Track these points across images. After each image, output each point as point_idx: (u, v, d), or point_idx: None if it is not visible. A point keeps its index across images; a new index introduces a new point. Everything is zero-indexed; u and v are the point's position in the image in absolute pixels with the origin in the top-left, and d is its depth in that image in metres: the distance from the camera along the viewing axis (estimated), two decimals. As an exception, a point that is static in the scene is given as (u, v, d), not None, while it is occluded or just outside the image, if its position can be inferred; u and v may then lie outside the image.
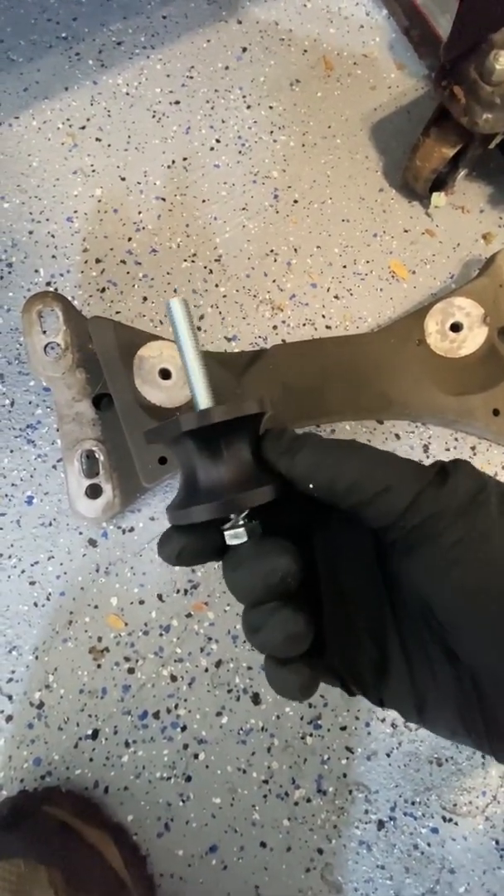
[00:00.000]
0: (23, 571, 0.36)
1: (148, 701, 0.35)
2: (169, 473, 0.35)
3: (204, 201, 0.44)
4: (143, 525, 0.38)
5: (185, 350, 0.20)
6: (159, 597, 0.37)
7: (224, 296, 0.42)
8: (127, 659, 0.36)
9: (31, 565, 0.36)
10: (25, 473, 0.38)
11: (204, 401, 0.20)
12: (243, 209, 0.44)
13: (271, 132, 0.46)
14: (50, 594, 0.36)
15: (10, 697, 0.35)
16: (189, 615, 0.36)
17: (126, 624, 0.36)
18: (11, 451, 0.38)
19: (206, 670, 0.36)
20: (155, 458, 0.34)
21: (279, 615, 0.17)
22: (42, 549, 0.37)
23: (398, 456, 0.18)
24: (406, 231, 0.44)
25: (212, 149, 0.45)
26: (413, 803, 0.35)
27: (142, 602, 0.36)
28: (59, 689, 0.35)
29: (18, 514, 0.37)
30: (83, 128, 0.45)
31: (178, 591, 0.37)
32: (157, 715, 0.35)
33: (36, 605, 0.36)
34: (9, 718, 0.34)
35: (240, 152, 0.45)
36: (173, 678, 0.35)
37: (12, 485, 0.38)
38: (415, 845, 0.34)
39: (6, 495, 0.37)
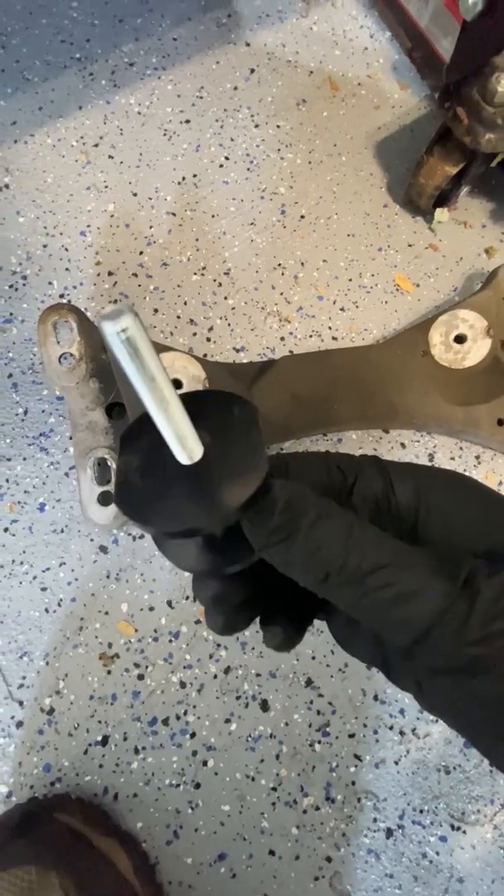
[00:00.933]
0: (34, 577, 0.37)
1: (157, 707, 0.35)
2: (180, 481, 0.35)
3: (213, 216, 0.45)
4: (153, 532, 0.38)
5: (153, 391, 0.13)
6: (169, 603, 0.37)
7: (233, 308, 0.43)
8: (137, 665, 0.36)
9: (43, 571, 0.37)
10: (38, 481, 0.39)
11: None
12: (251, 224, 0.45)
13: (279, 150, 0.47)
14: (61, 600, 0.37)
15: (20, 703, 0.35)
16: (198, 621, 0.37)
17: (136, 630, 0.36)
18: (24, 459, 0.39)
19: (215, 677, 0.36)
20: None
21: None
22: (54, 555, 0.37)
23: (413, 558, 0.13)
24: (410, 245, 0.45)
25: (221, 166, 0.47)
26: (421, 811, 0.35)
27: (151, 608, 0.37)
28: (69, 694, 0.35)
29: (31, 521, 0.38)
30: (96, 145, 0.47)
31: (187, 598, 0.37)
32: (166, 721, 0.35)
33: (47, 610, 0.36)
34: (19, 724, 0.35)
35: (248, 169, 0.47)
36: (182, 684, 0.36)
37: (25, 492, 0.38)
38: (423, 854, 0.34)
39: (19, 502, 0.38)
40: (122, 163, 0.46)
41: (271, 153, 0.47)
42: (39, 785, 0.34)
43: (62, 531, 0.38)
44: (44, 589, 0.37)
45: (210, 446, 0.14)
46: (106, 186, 0.45)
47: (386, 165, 0.48)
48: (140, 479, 0.14)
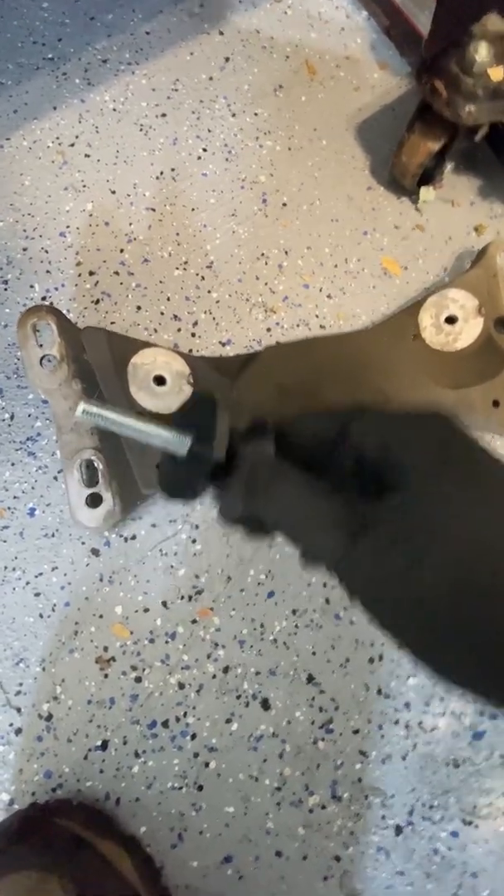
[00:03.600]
0: (27, 583, 0.37)
1: (156, 710, 0.35)
2: (168, 479, 0.35)
3: (193, 209, 0.44)
4: (144, 532, 0.38)
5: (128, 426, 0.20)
6: (164, 604, 0.36)
7: (217, 301, 0.42)
8: (134, 668, 0.35)
9: (36, 577, 0.37)
10: (27, 486, 0.38)
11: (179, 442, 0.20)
12: (232, 215, 0.44)
13: (257, 138, 0.47)
14: (55, 605, 0.36)
15: (18, 710, 0.35)
16: (194, 621, 0.36)
17: (131, 632, 0.36)
18: (13, 464, 0.39)
19: (214, 677, 0.35)
20: (153, 465, 0.35)
21: None
22: (46, 560, 0.37)
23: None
24: (396, 227, 0.44)
25: (199, 158, 0.46)
26: (431, 807, 0.34)
27: (146, 610, 0.36)
28: (66, 700, 0.35)
29: (21, 527, 0.37)
30: (72, 145, 0.46)
31: (182, 598, 0.37)
32: (165, 724, 0.35)
33: (41, 616, 0.36)
34: (18, 731, 0.34)
35: (227, 160, 0.46)
36: (181, 686, 0.35)
37: (14, 497, 0.38)
38: (435, 850, 0.34)
39: (8, 508, 0.38)
40: (99, 161, 0.46)
41: (250, 142, 0.46)
42: (41, 792, 0.34)
43: (53, 535, 0.37)
44: (37, 594, 0.36)
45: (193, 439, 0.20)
46: (84, 185, 0.45)
47: (368, 147, 0.46)
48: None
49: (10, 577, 0.37)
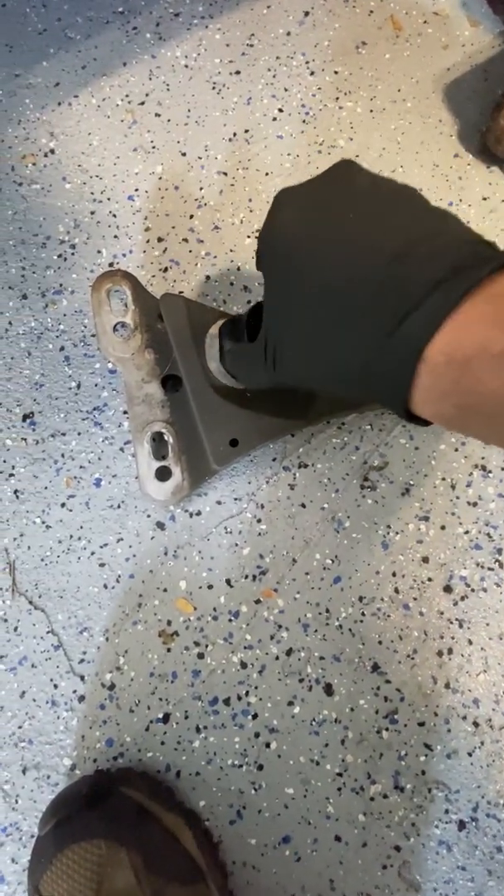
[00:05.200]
0: (92, 553, 0.36)
1: (218, 687, 0.34)
2: (240, 455, 0.34)
3: (267, 174, 0.42)
4: (210, 509, 0.37)
5: None
6: (228, 582, 0.36)
7: (290, 272, 0.40)
8: (196, 644, 0.35)
9: (101, 547, 0.36)
10: (93, 456, 0.38)
11: None
12: (309, 181, 0.42)
13: (337, 98, 0.44)
14: (119, 576, 0.36)
15: (81, 678, 0.35)
16: (258, 601, 0.35)
17: (195, 608, 0.35)
18: (79, 434, 0.38)
19: (277, 658, 0.35)
20: (226, 440, 0.33)
21: None
22: (111, 531, 0.36)
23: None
24: (485, 199, 0.41)
25: (274, 119, 0.43)
26: (497, 805, 0.33)
27: (210, 587, 0.36)
28: (129, 671, 0.35)
29: (87, 496, 0.37)
30: (142, 103, 0.44)
31: (246, 577, 0.36)
32: (227, 701, 0.34)
33: (105, 587, 0.36)
34: (81, 698, 0.35)
35: (304, 121, 0.43)
36: (243, 665, 0.35)
37: (80, 467, 0.37)
38: (498, 848, 0.33)
39: (75, 477, 0.37)
40: (169, 121, 0.44)
41: (329, 102, 0.44)
42: (102, 759, 0.34)
43: (119, 507, 0.37)
44: (102, 565, 0.36)
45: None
46: (153, 147, 0.43)
47: (456, 111, 0.43)
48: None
49: (76, 547, 0.36)
